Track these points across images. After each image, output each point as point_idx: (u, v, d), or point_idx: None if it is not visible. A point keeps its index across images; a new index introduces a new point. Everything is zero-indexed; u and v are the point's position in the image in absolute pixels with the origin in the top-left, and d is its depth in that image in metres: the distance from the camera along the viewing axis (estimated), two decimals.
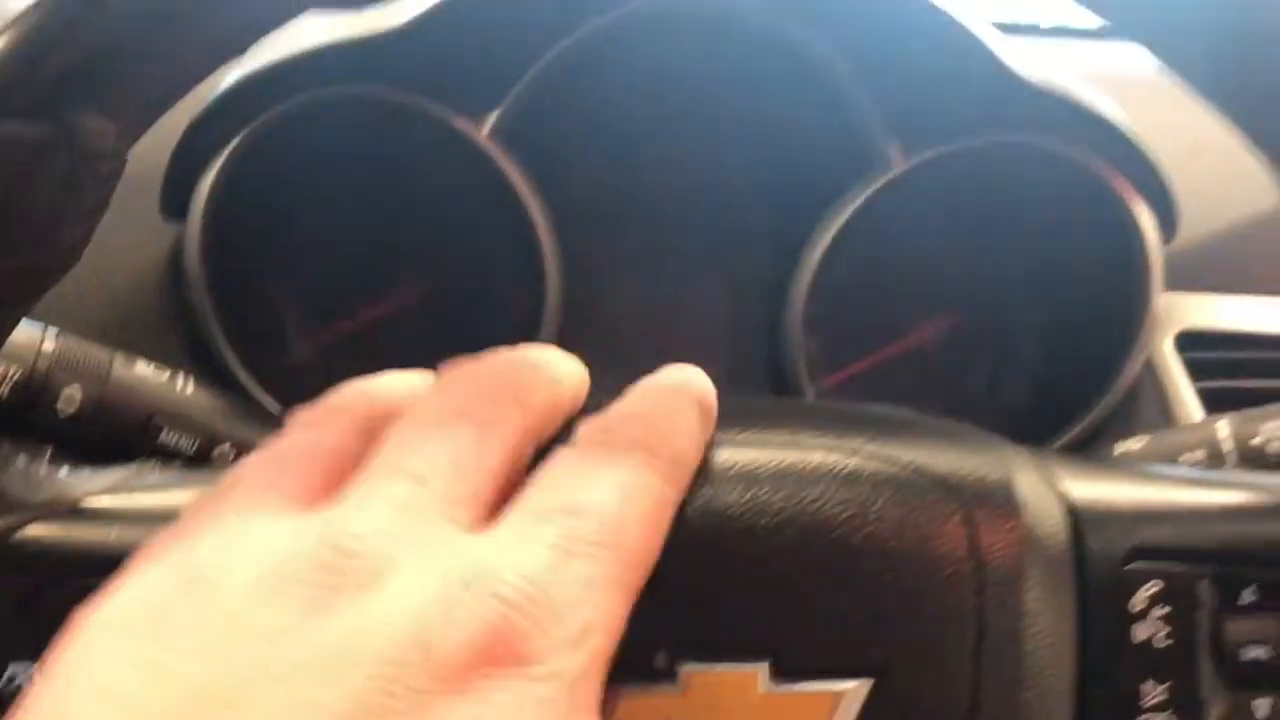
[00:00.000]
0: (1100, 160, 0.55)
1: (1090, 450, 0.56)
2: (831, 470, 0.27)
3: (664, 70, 0.59)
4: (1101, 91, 0.56)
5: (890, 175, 0.55)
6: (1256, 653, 0.28)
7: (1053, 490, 0.29)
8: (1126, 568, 0.28)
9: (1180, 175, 0.57)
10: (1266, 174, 0.29)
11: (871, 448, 0.27)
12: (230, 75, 0.53)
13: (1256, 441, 0.43)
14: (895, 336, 0.62)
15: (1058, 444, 0.58)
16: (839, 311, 0.61)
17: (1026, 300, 0.61)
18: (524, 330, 0.57)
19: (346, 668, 0.18)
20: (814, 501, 0.26)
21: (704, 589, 0.25)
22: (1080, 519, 0.29)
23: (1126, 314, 0.57)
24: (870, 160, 0.56)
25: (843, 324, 0.61)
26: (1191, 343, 0.59)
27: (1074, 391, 0.59)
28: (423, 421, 0.22)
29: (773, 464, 0.27)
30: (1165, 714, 0.28)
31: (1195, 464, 0.45)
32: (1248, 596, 0.28)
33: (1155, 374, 0.59)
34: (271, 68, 0.52)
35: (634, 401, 0.25)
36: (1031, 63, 0.55)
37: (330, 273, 0.60)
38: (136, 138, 0.27)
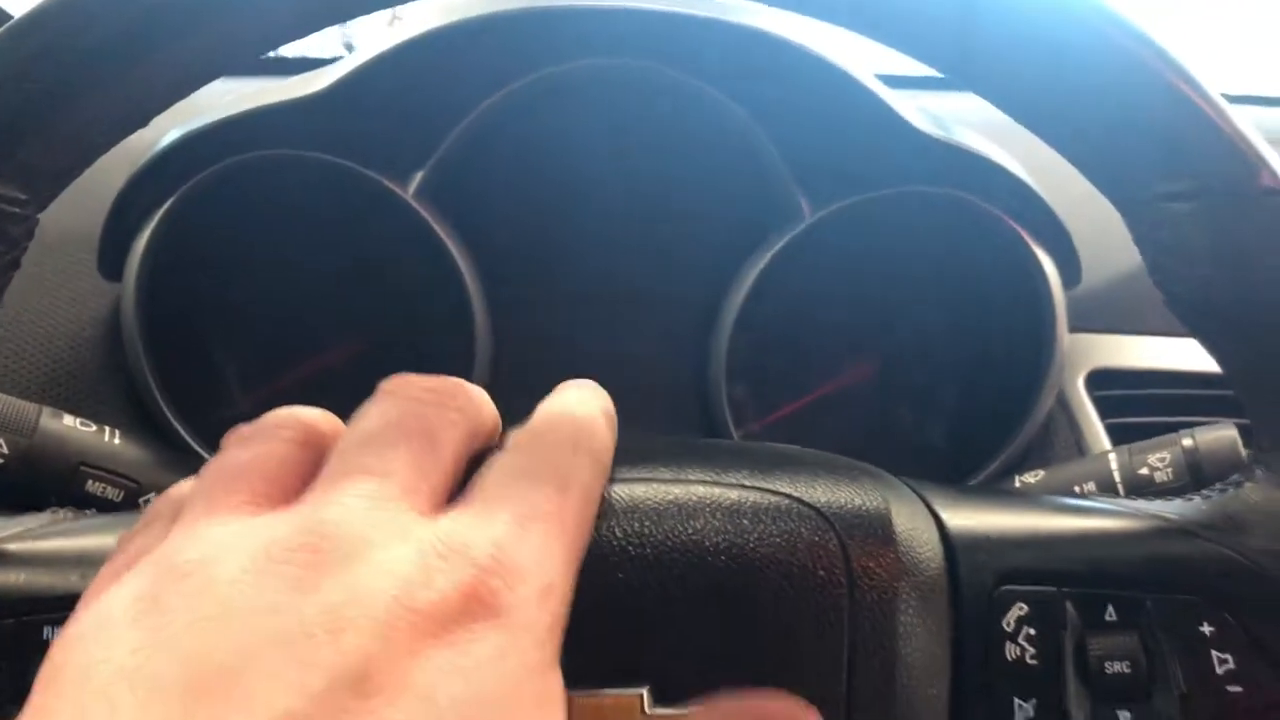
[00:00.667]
0: (1000, 209, 0.58)
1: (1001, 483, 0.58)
2: (713, 503, 0.28)
3: (584, 129, 0.61)
4: (1003, 140, 0.58)
5: (801, 227, 0.57)
6: (1118, 668, 0.29)
7: (929, 519, 0.31)
8: (997, 591, 0.30)
9: (1086, 221, 0.59)
10: None
11: (752, 481, 0.29)
12: (163, 139, 0.55)
13: (1143, 472, 0.45)
14: (818, 381, 0.64)
15: (978, 478, 0.60)
16: (762, 358, 0.62)
17: (943, 343, 0.64)
18: None
19: (343, 629, 0.19)
20: (695, 533, 0.27)
21: (587, 618, 0.26)
22: (954, 546, 0.30)
23: (1036, 355, 0.59)
24: (784, 213, 0.59)
25: (766, 370, 0.63)
26: (1102, 381, 0.62)
27: (992, 429, 0.61)
28: (373, 426, 0.24)
29: (656, 498, 0.28)
30: None
31: (1088, 494, 0.47)
32: (1109, 615, 0.30)
33: (1069, 411, 0.61)
34: (203, 131, 0.54)
35: (552, 411, 0.27)
36: (934, 118, 0.58)
37: (265, 328, 0.61)
38: (46, 203, 0.28)
